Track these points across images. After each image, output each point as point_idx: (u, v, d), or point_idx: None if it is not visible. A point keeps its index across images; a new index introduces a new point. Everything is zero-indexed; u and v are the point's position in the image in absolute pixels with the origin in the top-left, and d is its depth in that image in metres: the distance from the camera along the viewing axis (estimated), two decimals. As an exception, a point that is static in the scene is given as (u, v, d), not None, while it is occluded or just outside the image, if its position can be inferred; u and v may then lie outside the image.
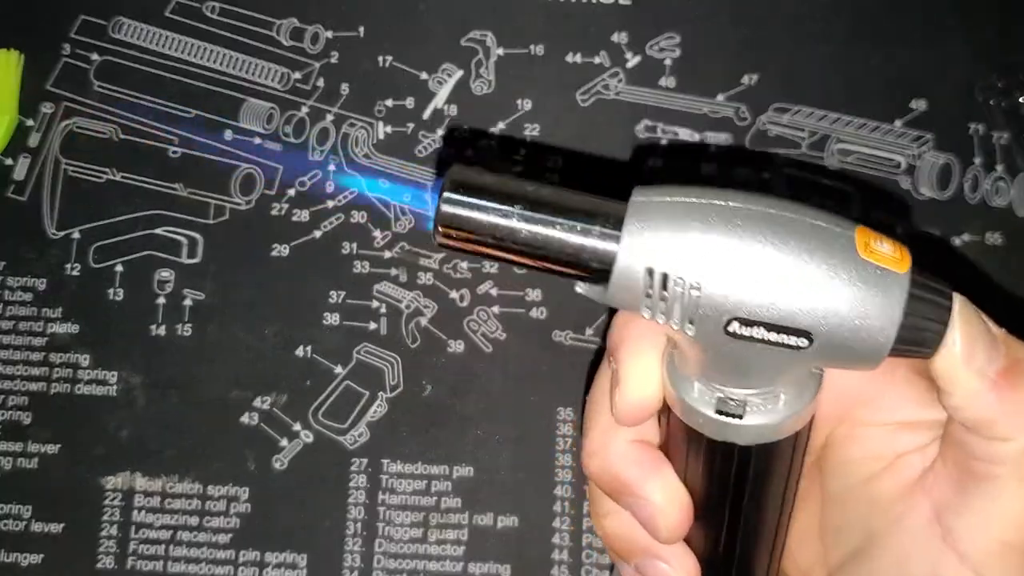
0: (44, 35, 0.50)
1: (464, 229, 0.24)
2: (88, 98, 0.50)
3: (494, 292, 0.47)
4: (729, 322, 0.22)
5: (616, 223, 0.23)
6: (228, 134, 0.49)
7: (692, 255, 0.23)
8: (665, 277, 0.23)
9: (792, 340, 0.22)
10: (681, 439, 0.27)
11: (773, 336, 0.22)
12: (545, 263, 0.24)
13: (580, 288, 0.25)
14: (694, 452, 0.27)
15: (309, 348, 0.46)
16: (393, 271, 0.47)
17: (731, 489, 0.27)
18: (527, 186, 0.24)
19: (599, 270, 0.24)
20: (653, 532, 0.28)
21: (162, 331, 0.47)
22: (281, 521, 0.44)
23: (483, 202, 0.24)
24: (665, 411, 0.27)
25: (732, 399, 0.25)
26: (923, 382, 0.27)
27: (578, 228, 0.24)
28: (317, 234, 0.48)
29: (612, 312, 0.43)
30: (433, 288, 0.47)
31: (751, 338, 0.23)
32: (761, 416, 0.25)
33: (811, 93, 0.49)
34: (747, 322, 0.22)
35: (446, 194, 0.24)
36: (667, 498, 0.28)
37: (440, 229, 0.24)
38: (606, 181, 0.48)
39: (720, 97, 0.49)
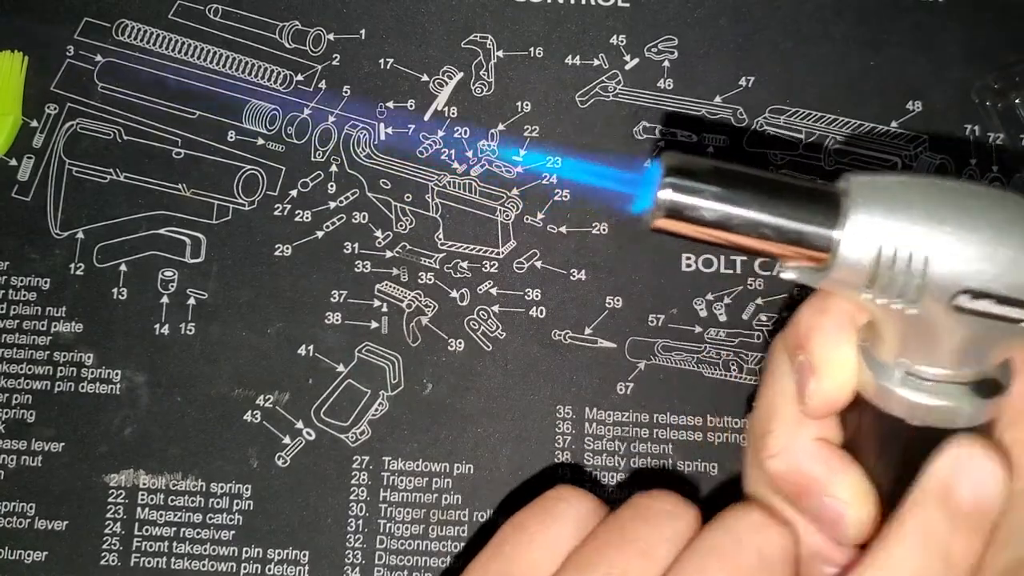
0: (48, 37, 0.51)
1: (685, 214, 0.24)
2: (92, 99, 0.50)
3: (494, 291, 0.47)
4: (955, 296, 0.23)
5: (836, 204, 0.23)
6: (231, 135, 0.49)
7: (921, 230, 0.23)
8: (894, 254, 0.23)
9: (1018, 313, 0.23)
10: (873, 431, 0.27)
11: (1000, 309, 0.23)
12: (765, 246, 0.24)
13: (789, 273, 0.25)
14: (887, 443, 0.26)
15: (311, 347, 0.47)
16: (394, 271, 0.48)
17: None
18: (743, 169, 0.24)
19: (819, 252, 0.24)
20: (839, 534, 0.27)
21: (166, 330, 0.47)
22: (283, 518, 0.45)
23: (704, 186, 0.24)
24: (853, 406, 0.27)
25: (937, 381, 0.25)
26: None
27: (801, 211, 0.24)
28: (319, 234, 0.48)
29: (609, 312, 0.44)
30: (434, 287, 0.47)
31: (978, 312, 0.23)
32: (966, 400, 0.25)
33: (808, 95, 0.49)
34: (977, 294, 0.23)
35: (667, 179, 0.24)
36: (855, 496, 0.27)
37: (661, 214, 0.24)
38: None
39: (718, 99, 0.49)
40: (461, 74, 0.50)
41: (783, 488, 0.29)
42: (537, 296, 0.47)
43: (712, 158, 0.25)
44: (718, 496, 0.45)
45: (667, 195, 0.24)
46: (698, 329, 0.47)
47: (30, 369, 0.47)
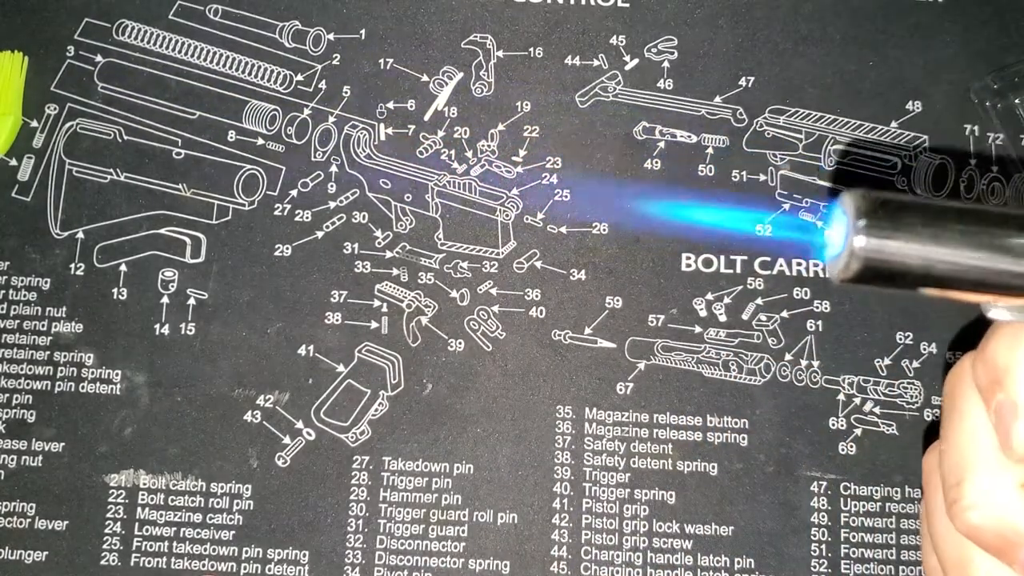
0: (48, 37, 0.51)
1: (885, 262, 0.21)
2: (92, 99, 0.50)
3: (494, 291, 0.47)
4: None
5: None
6: (231, 135, 0.49)
7: None
8: None
9: None
10: None
11: None
12: (980, 289, 0.22)
13: (1002, 314, 0.23)
14: None
15: (311, 347, 0.47)
16: (394, 271, 0.48)
17: None
18: (944, 204, 0.22)
19: None
20: None
21: (166, 330, 0.47)
22: (283, 518, 0.45)
23: (906, 229, 0.21)
24: None
25: None
26: None
27: (1018, 245, 0.21)
28: (319, 234, 0.48)
29: (609, 312, 0.44)
30: (434, 287, 0.47)
31: None
32: None
33: (807, 95, 0.49)
34: None
35: (862, 222, 0.21)
36: None
37: (857, 265, 0.21)
38: (606, 182, 0.48)
39: (717, 99, 0.50)
40: (461, 74, 0.50)
41: (984, 542, 0.26)
42: (537, 296, 0.47)
43: (899, 192, 0.23)
44: (718, 496, 0.45)
45: (865, 242, 0.21)
46: (698, 329, 0.47)
47: (30, 369, 0.47)
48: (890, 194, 0.22)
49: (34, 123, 0.50)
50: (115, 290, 0.48)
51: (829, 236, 0.23)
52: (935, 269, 0.21)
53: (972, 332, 0.46)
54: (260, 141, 0.49)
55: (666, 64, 0.50)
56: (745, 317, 0.47)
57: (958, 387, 0.27)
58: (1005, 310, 0.23)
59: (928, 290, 0.22)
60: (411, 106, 0.50)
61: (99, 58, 0.51)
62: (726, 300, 0.47)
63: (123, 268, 0.48)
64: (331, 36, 0.51)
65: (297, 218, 0.48)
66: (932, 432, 0.45)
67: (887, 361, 0.46)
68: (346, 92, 0.50)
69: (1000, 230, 0.21)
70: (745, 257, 0.48)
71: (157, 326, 0.47)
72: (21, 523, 0.45)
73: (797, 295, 0.47)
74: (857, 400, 0.46)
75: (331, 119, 0.50)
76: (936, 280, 0.22)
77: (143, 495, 0.45)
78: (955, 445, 0.26)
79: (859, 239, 0.21)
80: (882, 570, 0.44)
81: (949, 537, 0.28)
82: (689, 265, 0.47)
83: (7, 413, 0.46)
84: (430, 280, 0.48)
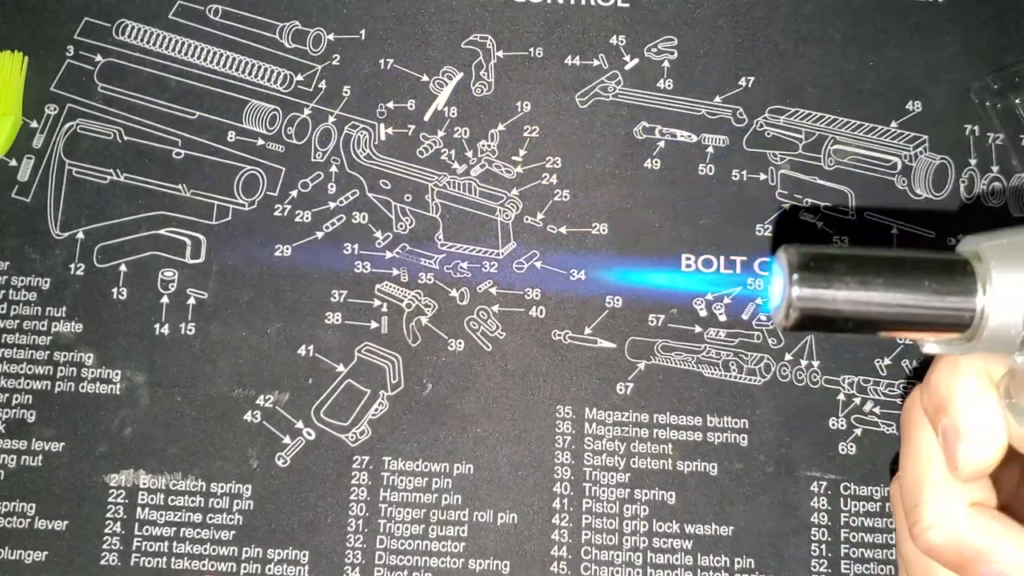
0: (48, 37, 0.51)
1: (821, 310, 0.23)
2: (92, 100, 0.50)
3: (494, 291, 0.47)
4: None
5: (970, 273, 0.23)
6: (231, 135, 0.49)
7: None
8: None
9: None
10: None
11: None
12: (908, 331, 0.24)
13: (932, 347, 0.24)
14: None
15: (311, 347, 0.47)
16: (394, 271, 0.48)
17: None
18: (869, 253, 0.24)
19: (963, 324, 0.23)
20: None
21: (166, 330, 0.47)
22: (283, 518, 0.45)
23: (836, 278, 0.23)
24: (1006, 462, 0.26)
25: None
26: None
27: (940, 287, 0.23)
28: (319, 234, 0.48)
29: (609, 312, 0.44)
30: (433, 287, 0.47)
31: None
32: None
33: (807, 95, 0.49)
34: None
35: (796, 275, 0.23)
36: None
37: (796, 315, 0.23)
38: (606, 182, 0.49)
39: (717, 99, 0.50)
40: (461, 74, 0.50)
41: (944, 560, 0.27)
42: (537, 296, 0.47)
43: (828, 244, 0.24)
44: (718, 496, 0.45)
45: (800, 293, 0.23)
46: (698, 329, 0.47)
47: (30, 369, 0.47)
48: (821, 248, 0.24)
49: (34, 123, 0.50)
50: (115, 290, 0.48)
51: (770, 290, 0.25)
52: (866, 314, 0.23)
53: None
54: (260, 141, 0.49)
55: (666, 64, 0.50)
56: (745, 317, 0.47)
57: (910, 417, 0.29)
58: (936, 344, 0.25)
59: (864, 332, 0.24)
60: (411, 106, 0.50)
61: (99, 58, 0.51)
62: (726, 300, 0.47)
63: (123, 268, 0.48)
64: (331, 36, 0.51)
65: (297, 218, 0.48)
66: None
67: (887, 361, 0.46)
68: (346, 92, 0.50)
69: (919, 274, 0.23)
70: (745, 258, 0.48)
71: (157, 326, 0.47)
72: (21, 523, 0.45)
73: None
74: (857, 400, 0.46)
75: (331, 119, 0.50)
76: (869, 323, 0.24)
77: (143, 495, 0.45)
78: (910, 471, 0.28)
79: (795, 290, 0.23)
80: (882, 570, 0.44)
81: (915, 559, 0.29)
82: (689, 265, 0.47)
83: (7, 413, 0.46)
84: (430, 280, 0.48)
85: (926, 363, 0.46)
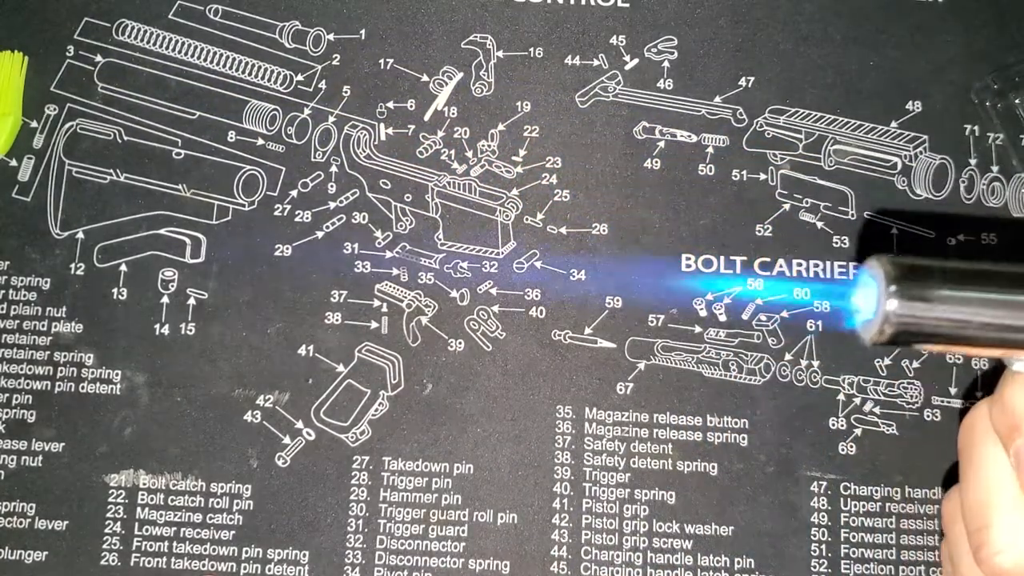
0: (48, 37, 0.51)
1: (917, 325, 0.22)
2: (92, 100, 0.50)
3: (494, 291, 0.47)
4: None
5: None
6: (231, 135, 0.49)
7: None
8: None
9: None
10: None
11: None
12: (1006, 345, 0.23)
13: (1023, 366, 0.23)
14: None
15: (311, 347, 0.47)
16: (394, 271, 0.48)
17: None
18: (970, 266, 0.22)
19: None
20: None
21: (166, 330, 0.47)
22: (283, 518, 0.45)
23: (936, 291, 0.22)
24: None
25: None
26: None
27: None
28: (319, 234, 0.48)
29: (609, 312, 0.44)
30: (434, 287, 0.47)
31: None
32: None
33: (807, 95, 0.49)
34: None
35: (893, 287, 0.22)
36: None
37: (890, 329, 0.22)
38: (606, 182, 0.49)
39: (717, 99, 0.50)
40: (461, 74, 0.50)
41: None
42: (537, 296, 0.47)
43: (924, 256, 0.23)
44: (718, 496, 0.45)
45: (897, 307, 0.22)
46: (698, 329, 0.47)
47: (30, 369, 0.47)
48: (917, 259, 0.23)
49: (34, 123, 0.50)
50: (115, 290, 0.48)
51: (858, 302, 0.23)
52: (965, 330, 0.22)
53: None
54: (260, 141, 0.49)
55: (666, 64, 0.50)
56: (745, 317, 0.47)
57: (975, 432, 0.27)
58: None
59: (957, 348, 0.23)
60: (411, 106, 0.50)
61: (99, 58, 0.51)
62: (726, 300, 0.47)
63: (123, 268, 0.48)
64: (331, 36, 0.51)
65: (297, 218, 0.48)
66: (933, 432, 0.45)
67: (887, 361, 0.46)
68: (346, 92, 0.50)
69: (1020, 287, 0.22)
70: (745, 257, 0.48)
71: (157, 326, 0.47)
72: (21, 523, 0.45)
73: (797, 295, 0.47)
74: (857, 400, 0.46)
75: (331, 119, 0.50)
76: (966, 339, 0.23)
77: (143, 495, 0.45)
78: (976, 490, 0.27)
79: (891, 303, 0.22)
80: (882, 570, 0.44)
81: None
82: (689, 265, 0.47)
83: (7, 413, 0.46)
84: (430, 280, 0.48)
85: (928, 362, 0.46)
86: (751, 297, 0.47)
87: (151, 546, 0.45)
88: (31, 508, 0.45)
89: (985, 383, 0.46)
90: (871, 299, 0.23)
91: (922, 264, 0.23)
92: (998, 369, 0.45)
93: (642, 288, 0.47)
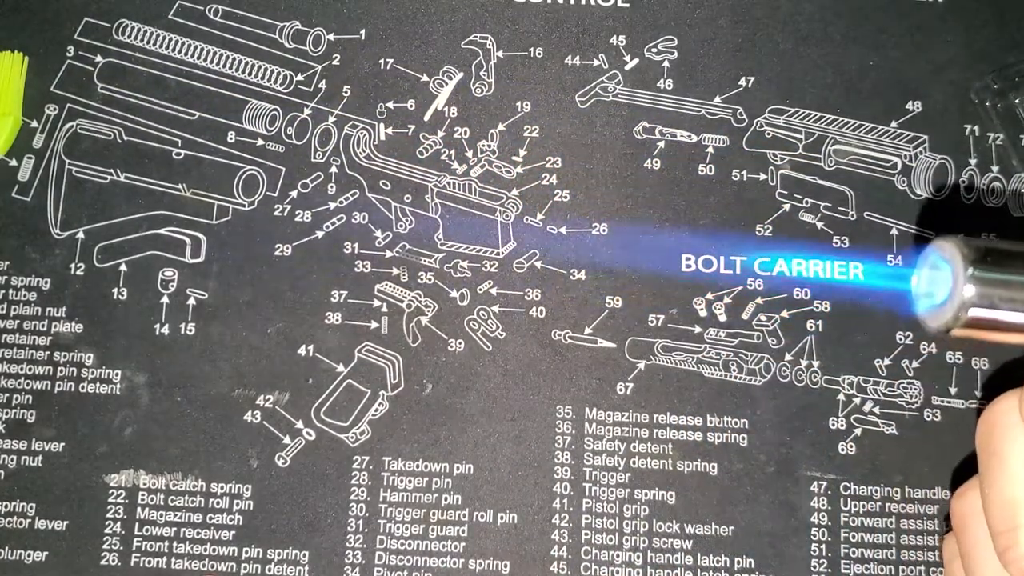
0: (48, 37, 0.51)
1: (998, 309, 0.21)
2: (92, 100, 0.50)
3: (494, 291, 0.47)
4: None
5: None
6: (231, 135, 0.49)
7: None
8: None
9: None
10: None
11: None
12: None
13: None
14: None
15: (311, 347, 0.47)
16: (394, 271, 0.48)
17: None
18: None
19: None
20: None
21: (166, 330, 0.47)
22: (283, 518, 0.45)
23: (1018, 275, 0.21)
24: None
25: None
26: None
27: None
28: (319, 234, 0.48)
29: (609, 312, 0.44)
30: (434, 287, 0.47)
31: None
32: None
33: (807, 95, 0.49)
34: None
35: (972, 271, 0.21)
36: None
37: (965, 316, 0.21)
38: (606, 182, 0.49)
39: (717, 99, 0.50)
40: (461, 74, 0.50)
41: None
42: (537, 296, 0.47)
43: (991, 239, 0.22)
44: (718, 496, 0.45)
45: (976, 291, 0.21)
46: (698, 329, 0.47)
47: (30, 369, 0.47)
48: (990, 241, 0.22)
49: (34, 123, 0.50)
50: (115, 290, 0.48)
51: (925, 286, 0.22)
52: None
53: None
54: (260, 141, 0.49)
55: (666, 64, 0.50)
56: (745, 317, 0.47)
57: (1003, 428, 0.26)
58: None
59: None
60: (411, 106, 0.50)
61: (99, 58, 0.51)
62: (726, 300, 0.47)
63: (123, 268, 0.48)
64: (331, 36, 0.51)
65: (297, 218, 0.48)
66: (933, 432, 0.45)
67: (887, 361, 0.46)
68: (346, 92, 0.50)
69: None
70: (745, 257, 0.48)
71: (157, 326, 0.47)
72: (21, 523, 0.45)
73: (797, 295, 0.47)
74: (857, 400, 0.46)
75: (331, 119, 0.50)
76: None
77: (143, 495, 0.45)
78: (1003, 489, 0.26)
79: (969, 289, 0.21)
80: (882, 570, 0.44)
81: None
82: (689, 265, 0.47)
83: (7, 413, 0.46)
84: (430, 280, 0.48)
85: (928, 362, 0.46)
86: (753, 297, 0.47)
87: (151, 546, 0.45)
88: (31, 508, 0.45)
89: (985, 383, 0.46)
90: (943, 283, 0.22)
91: (999, 247, 0.21)
92: (1000, 369, 0.46)
93: (642, 288, 0.47)
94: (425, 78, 0.50)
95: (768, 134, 0.49)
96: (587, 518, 0.45)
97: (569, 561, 0.44)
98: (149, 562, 0.45)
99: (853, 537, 0.44)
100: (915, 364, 0.46)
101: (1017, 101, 0.49)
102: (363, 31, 0.51)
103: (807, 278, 0.46)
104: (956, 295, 0.21)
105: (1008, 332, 0.21)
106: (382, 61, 0.50)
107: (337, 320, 0.47)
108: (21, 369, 0.47)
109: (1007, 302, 0.21)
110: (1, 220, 0.48)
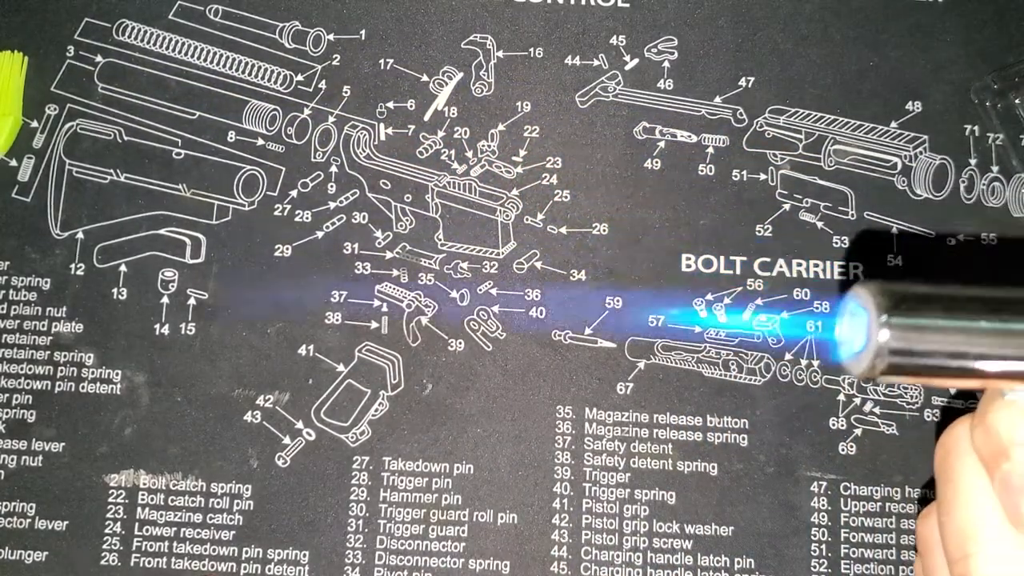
0: (48, 37, 0.51)
1: (916, 355, 0.20)
2: (92, 100, 0.50)
3: (494, 292, 0.47)
4: None
5: None
6: (231, 135, 0.49)
7: None
8: None
9: None
10: None
11: None
12: (1008, 377, 0.21)
13: (1017, 395, 0.22)
14: None
15: (311, 347, 0.47)
16: (394, 271, 0.48)
17: None
18: (960, 292, 0.21)
19: None
20: None
21: (166, 330, 0.47)
22: (284, 518, 0.45)
23: (931, 320, 0.20)
24: None
25: None
26: None
27: None
28: (319, 234, 0.48)
29: (609, 312, 0.44)
30: (434, 288, 0.47)
31: None
32: None
33: (807, 95, 0.49)
34: None
35: (888, 317, 0.20)
36: None
37: (883, 364, 0.20)
38: (606, 182, 0.49)
39: (717, 99, 0.50)
40: (461, 74, 0.50)
41: None
42: (537, 296, 0.47)
43: (912, 283, 0.21)
44: (718, 496, 0.45)
45: (891, 339, 0.20)
46: (698, 329, 0.47)
47: (30, 369, 0.47)
48: (907, 286, 0.21)
49: (34, 123, 0.50)
50: (115, 290, 0.48)
51: (845, 333, 0.21)
52: (961, 361, 0.21)
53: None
54: (260, 141, 0.49)
55: (666, 64, 0.50)
56: (745, 317, 0.47)
57: (956, 455, 0.26)
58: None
59: (951, 381, 0.22)
60: (411, 106, 0.50)
61: (99, 58, 0.51)
62: (726, 300, 0.47)
63: (123, 268, 0.48)
64: (331, 36, 0.51)
65: (297, 218, 0.48)
66: (933, 432, 0.45)
67: (887, 361, 0.46)
68: (346, 92, 0.50)
69: (1016, 313, 0.21)
70: (745, 258, 0.48)
71: (157, 326, 0.47)
72: (21, 523, 0.45)
73: (797, 295, 0.47)
74: (857, 400, 0.46)
75: (331, 119, 0.50)
76: (962, 372, 0.21)
77: (143, 495, 0.45)
78: (957, 515, 0.26)
79: (884, 334, 0.20)
80: (882, 570, 0.44)
81: None
82: (689, 265, 0.47)
83: (7, 413, 0.46)
84: (430, 280, 0.48)
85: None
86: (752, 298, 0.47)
87: (151, 546, 0.45)
88: (31, 508, 0.45)
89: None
90: (860, 330, 0.21)
91: (914, 291, 0.21)
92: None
93: (642, 288, 0.47)
94: (425, 78, 0.50)
95: (768, 134, 0.49)
96: (587, 518, 0.45)
97: (569, 561, 0.44)
98: (149, 562, 0.45)
99: (853, 537, 0.44)
100: (915, 364, 0.46)
101: (1017, 101, 0.49)
102: (363, 31, 0.51)
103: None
104: (872, 343, 0.20)
105: (934, 377, 0.21)
106: (382, 61, 0.50)
107: (337, 320, 0.47)
108: (21, 369, 0.47)
109: (927, 349, 0.20)
110: (1, 220, 0.48)
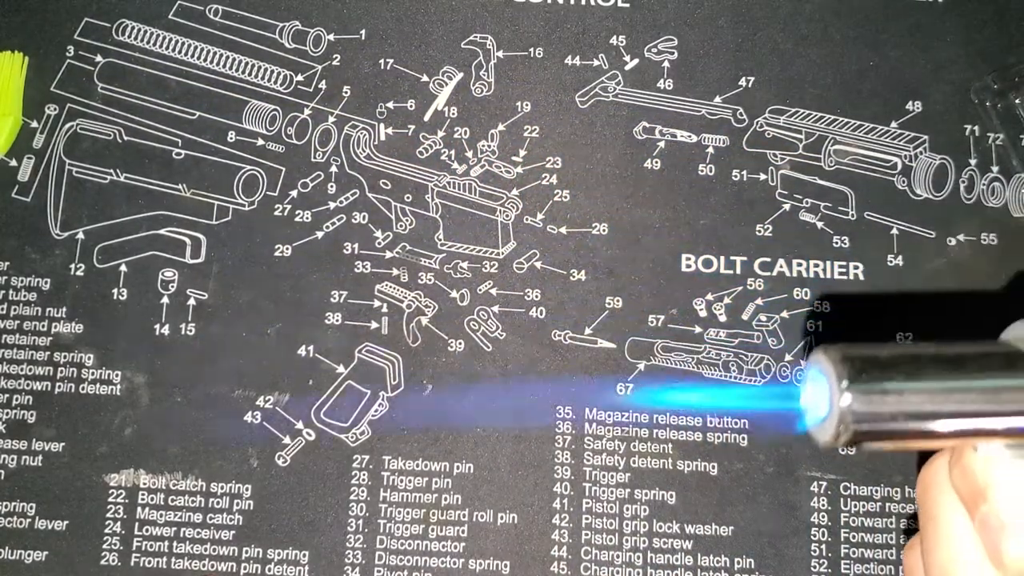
0: (48, 37, 0.51)
1: (880, 421, 0.20)
2: (92, 100, 0.50)
3: (494, 292, 0.47)
4: None
5: None
6: (231, 135, 0.49)
7: None
8: None
9: None
10: None
11: None
12: (979, 435, 0.21)
13: (992, 450, 0.21)
14: None
15: (311, 347, 0.47)
16: (394, 271, 0.48)
17: None
18: (922, 351, 0.20)
19: None
20: None
21: (166, 331, 0.47)
22: (283, 518, 0.45)
23: (895, 384, 0.20)
24: None
25: None
26: None
27: (1009, 384, 0.20)
28: (319, 234, 0.48)
29: (609, 312, 0.44)
30: (434, 288, 0.47)
31: None
32: None
33: (808, 95, 0.49)
34: None
35: (846, 383, 0.20)
36: None
37: (849, 433, 0.20)
38: (606, 182, 0.49)
39: (717, 99, 0.50)
40: (461, 74, 0.50)
41: None
42: (537, 296, 0.47)
43: (873, 345, 0.20)
44: (718, 496, 0.45)
45: (853, 406, 0.20)
46: (698, 329, 0.47)
47: (30, 369, 0.47)
48: (869, 348, 0.21)
49: (34, 123, 0.50)
50: (115, 290, 0.48)
51: (809, 400, 0.21)
52: (928, 423, 0.20)
53: (970, 334, 0.46)
54: (260, 141, 0.49)
55: (666, 64, 0.50)
56: (745, 317, 0.47)
57: (937, 492, 0.26)
58: (1004, 447, 0.23)
59: (920, 443, 0.21)
60: (411, 106, 0.50)
61: (99, 58, 0.51)
62: (726, 300, 0.47)
63: (123, 268, 0.48)
64: (331, 36, 0.51)
65: (297, 218, 0.48)
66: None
67: (887, 361, 0.46)
68: (346, 92, 0.50)
69: (992, 374, 0.21)
70: (745, 258, 0.48)
71: (157, 326, 0.47)
72: (21, 523, 0.45)
73: (797, 295, 0.47)
74: (857, 400, 0.46)
75: (331, 119, 0.50)
76: (929, 433, 0.21)
77: (143, 495, 0.45)
78: (939, 553, 0.26)
79: (845, 399, 0.20)
80: (882, 570, 0.44)
81: None
82: (689, 265, 0.47)
83: (7, 413, 0.46)
84: (430, 280, 0.48)
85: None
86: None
87: (151, 546, 0.45)
88: (31, 508, 0.45)
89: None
90: (822, 397, 0.21)
91: (875, 354, 0.20)
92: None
93: (642, 288, 0.47)
94: (425, 78, 0.50)
95: (768, 134, 0.49)
96: (587, 518, 0.45)
97: (569, 561, 0.44)
98: (149, 562, 0.45)
99: (853, 537, 0.44)
100: (915, 364, 0.46)
101: (1017, 101, 0.49)
102: (363, 31, 0.51)
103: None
104: (835, 409, 0.20)
105: (902, 440, 0.21)
106: (382, 61, 0.50)
107: (337, 320, 0.47)
108: (21, 369, 0.47)
109: (890, 411, 0.20)
110: (1, 220, 0.48)
